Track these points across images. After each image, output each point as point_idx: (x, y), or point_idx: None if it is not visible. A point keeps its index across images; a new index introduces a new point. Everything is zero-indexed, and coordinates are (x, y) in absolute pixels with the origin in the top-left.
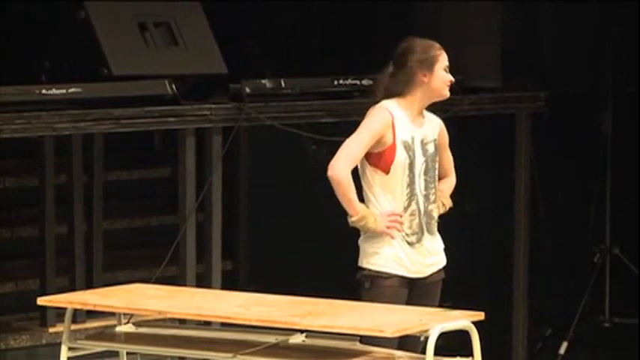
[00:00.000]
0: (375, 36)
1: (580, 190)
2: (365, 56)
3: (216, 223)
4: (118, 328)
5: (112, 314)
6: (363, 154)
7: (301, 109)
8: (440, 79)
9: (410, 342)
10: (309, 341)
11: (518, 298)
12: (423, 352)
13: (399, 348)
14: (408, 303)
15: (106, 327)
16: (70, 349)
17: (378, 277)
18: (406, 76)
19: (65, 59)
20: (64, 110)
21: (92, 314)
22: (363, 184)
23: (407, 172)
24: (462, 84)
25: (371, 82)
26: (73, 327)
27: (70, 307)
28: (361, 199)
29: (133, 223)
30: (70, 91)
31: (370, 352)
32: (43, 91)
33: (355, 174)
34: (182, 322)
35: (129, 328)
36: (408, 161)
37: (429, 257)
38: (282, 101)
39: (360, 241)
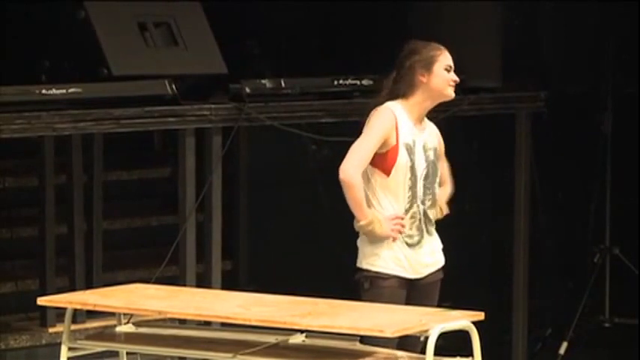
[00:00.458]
0: (375, 36)
1: (580, 190)
2: (365, 56)
3: (216, 223)
4: (118, 328)
5: (111, 314)
6: (371, 156)
7: (301, 109)
8: (440, 79)
9: (409, 342)
10: (309, 341)
11: (518, 298)
12: (423, 352)
13: (399, 348)
14: (407, 303)
15: (105, 327)
16: (70, 349)
17: (377, 277)
18: (407, 78)
19: (65, 59)
20: (64, 110)
21: (92, 314)
22: (365, 184)
23: (408, 174)
24: (461, 84)
25: (371, 82)
26: (73, 327)
27: (69, 307)
28: None
29: (133, 223)
30: (70, 91)
31: (370, 353)
32: (43, 91)
33: None
34: (182, 322)
35: (129, 328)
36: (409, 164)
37: (428, 258)
38: (282, 101)
39: (359, 242)
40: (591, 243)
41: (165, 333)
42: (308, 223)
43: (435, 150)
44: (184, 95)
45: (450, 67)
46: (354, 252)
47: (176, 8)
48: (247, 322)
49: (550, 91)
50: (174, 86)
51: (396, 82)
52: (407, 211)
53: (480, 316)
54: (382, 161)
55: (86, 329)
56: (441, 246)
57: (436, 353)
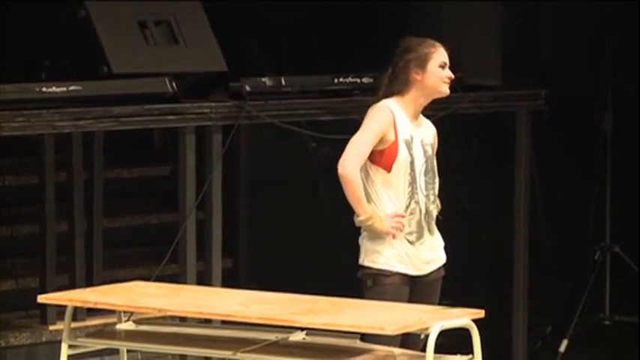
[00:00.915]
0: (375, 36)
1: (580, 188)
2: (365, 56)
3: (216, 221)
4: (119, 326)
5: (112, 312)
6: (368, 152)
7: (301, 107)
8: (434, 76)
9: (410, 341)
10: (309, 339)
11: (519, 296)
12: (423, 350)
13: (400, 346)
14: (410, 301)
15: (106, 325)
16: (70, 346)
17: (380, 275)
18: (402, 76)
19: (65, 57)
20: (64, 108)
21: (92, 312)
22: (365, 182)
23: (408, 170)
24: (461, 82)
25: (371, 80)
26: (74, 325)
27: (70, 304)
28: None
29: (133, 221)
30: (71, 89)
31: (370, 350)
32: (44, 89)
33: None
34: (182, 320)
35: (129, 325)
36: (409, 159)
37: (429, 255)
38: (283, 99)
39: (361, 239)
40: (591, 241)
41: (166, 331)
42: (308, 220)
43: (432, 146)
44: (184, 93)
45: (445, 63)
46: (354, 250)
47: (176, 6)
48: (248, 320)
49: (550, 90)
50: (174, 84)
51: (391, 80)
52: (407, 207)
53: (480, 313)
54: (382, 158)
55: (86, 327)
56: (442, 243)
57: (436, 351)
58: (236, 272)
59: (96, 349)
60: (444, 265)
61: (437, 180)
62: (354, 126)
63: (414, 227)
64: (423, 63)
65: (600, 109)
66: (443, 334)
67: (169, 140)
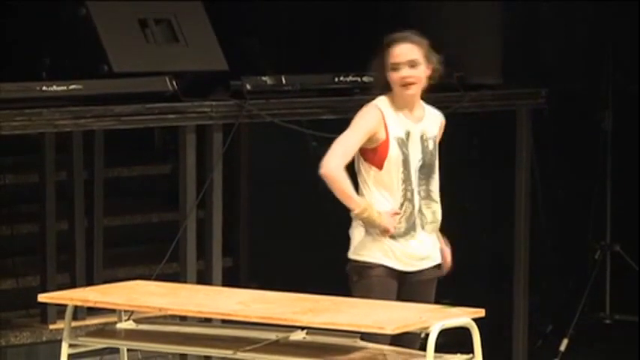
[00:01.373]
0: (375, 36)
1: (580, 187)
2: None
3: (216, 220)
4: (119, 325)
5: (112, 311)
6: (354, 151)
7: (302, 106)
8: (393, 78)
9: (407, 339)
10: (309, 338)
11: (519, 295)
12: (422, 348)
13: (396, 345)
14: (401, 299)
15: (106, 324)
16: (70, 345)
17: (365, 267)
18: (380, 75)
19: (66, 56)
20: (65, 107)
21: (93, 311)
22: (359, 179)
23: (401, 168)
24: (462, 81)
25: (372, 79)
26: (74, 324)
27: (70, 304)
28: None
29: (133, 220)
30: (71, 87)
31: (370, 349)
32: (44, 88)
33: (352, 171)
34: (183, 319)
35: (129, 325)
36: (401, 157)
37: (417, 251)
38: (283, 98)
39: (350, 232)
40: (592, 240)
41: (166, 330)
42: (309, 219)
43: (434, 139)
44: (185, 92)
45: (397, 64)
46: None
47: (177, 5)
48: (248, 319)
49: (550, 89)
50: (174, 83)
51: (377, 79)
52: (402, 204)
53: (480, 312)
54: (374, 156)
55: (87, 326)
56: (437, 244)
57: (436, 350)
58: (236, 271)
59: (96, 348)
60: (439, 266)
61: (435, 175)
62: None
63: (402, 223)
64: (385, 64)
65: (600, 108)
66: (443, 333)
67: (170, 139)
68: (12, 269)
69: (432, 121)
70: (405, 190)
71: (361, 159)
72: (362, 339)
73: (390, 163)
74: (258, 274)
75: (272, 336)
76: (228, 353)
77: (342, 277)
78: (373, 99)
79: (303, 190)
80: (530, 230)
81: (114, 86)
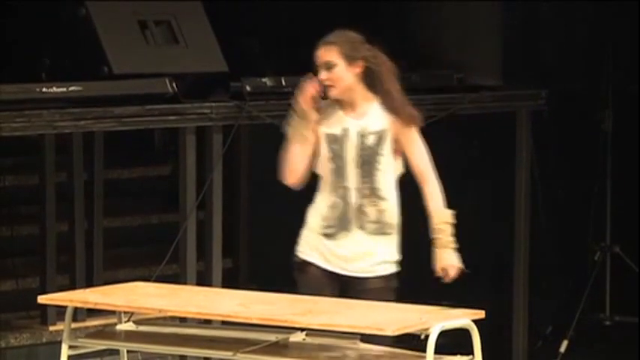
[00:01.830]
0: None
1: (580, 188)
2: None
3: (216, 221)
4: (119, 327)
5: (112, 312)
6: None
7: None
8: None
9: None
10: (309, 339)
11: (519, 296)
12: (421, 350)
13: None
14: None
15: (106, 325)
16: (70, 347)
17: (302, 264)
18: None
19: (66, 57)
20: (65, 108)
21: (93, 312)
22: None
23: (330, 165)
24: (462, 82)
25: None
26: (74, 325)
27: (70, 305)
28: None
29: (133, 221)
30: (71, 89)
31: (370, 350)
32: (44, 90)
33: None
34: (182, 321)
35: (129, 326)
36: (329, 155)
37: (352, 252)
38: (283, 99)
39: None
40: (592, 241)
41: (166, 331)
42: None
43: (379, 134)
44: (185, 93)
45: (317, 67)
46: None
47: (177, 6)
48: (248, 321)
49: (550, 89)
50: (174, 84)
51: None
52: (332, 203)
53: (480, 314)
54: (315, 150)
55: (87, 327)
56: (386, 247)
57: (436, 351)
58: (236, 272)
59: (96, 350)
60: (389, 277)
61: (379, 172)
62: None
63: (334, 222)
64: None
65: (600, 108)
66: (443, 334)
67: (170, 140)
68: (12, 270)
69: (377, 116)
70: (336, 187)
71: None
72: (362, 340)
73: (320, 160)
74: (258, 276)
75: (272, 337)
76: (227, 354)
77: None
78: None
79: (302, 190)
80: (530, 231)
81: (114, 88)
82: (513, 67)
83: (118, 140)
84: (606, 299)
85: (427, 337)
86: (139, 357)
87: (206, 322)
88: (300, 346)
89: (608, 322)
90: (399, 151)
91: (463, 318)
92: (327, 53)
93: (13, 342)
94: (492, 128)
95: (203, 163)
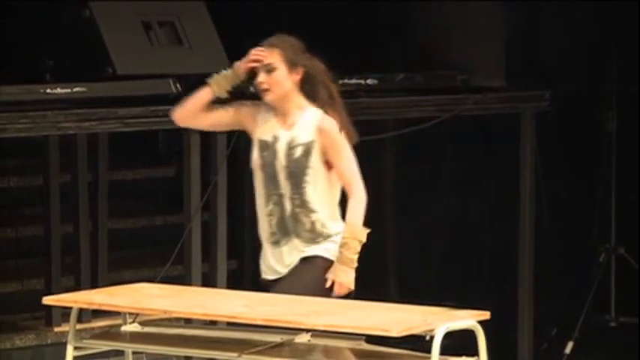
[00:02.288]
0: (375, 36)
1: (585, 189)
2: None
3: (221, 223)
4: (124, 328)
5: (117, 314)
6: (217, 111)
7: None
8: None
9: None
10: (314, 340)
11: (524, 298)
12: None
13: None
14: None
15: (111, 326)
16: (75, 348)
17: (266, 282)
18: None
19: (69, 58)
20: (69, 109)
21: (98, 314)
22: None
23: (260, 172)
24: (465, 84)
25: (376, 81)
26: (79, 326)
27: (75, 306)
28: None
29: (138, 222)
30: (75, 90)
31: (376, 352)
32: (48, 91)
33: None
34: (188, 322)
35: (134, 327)
36: (260, 162)
37: (287, 259)
38: None
39: None
40: (596, 242)
41: (171, 332)
42: None
43: (307, 146)
44: (189, 94)
45: (257, 68)
46: None
47: (180, 7)
48: (252, 322)
49: (553, 90)
50: (178, 85)
51: None
52: (266, 206)
53: (485, 315)
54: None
55: (92, 328)
56: (315, 249)
57: (441, 353)
58: (241, 274)
59: (101, 351)
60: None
61: (308, 185)
62: (357, 127)
63: (274, 228)
64: None
65: (604, 109)
66: (447, 335)
67: (174, 141)
68: (16, 272)
69: (306, 128)
70: (271, 195)
71: None
72: (367, 342)
73: (253, 165)
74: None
75: (277, 338)
76: (232, 356)
77: None
78: (376, 101)
79: None
80: (534, 233)
81: (118, 89)
82: (516, 68)
83: (122, 141)
84: (611, 300)
85: (432, 338)
86: (144, 358)
87: (211, 324)
88: (305, 348)
89: (613, 324)
90: (330, 161)
91: (468, 319)
92: (269, 56)
93: (18, 343)
94: (496, 129)
95: (207, 164)
